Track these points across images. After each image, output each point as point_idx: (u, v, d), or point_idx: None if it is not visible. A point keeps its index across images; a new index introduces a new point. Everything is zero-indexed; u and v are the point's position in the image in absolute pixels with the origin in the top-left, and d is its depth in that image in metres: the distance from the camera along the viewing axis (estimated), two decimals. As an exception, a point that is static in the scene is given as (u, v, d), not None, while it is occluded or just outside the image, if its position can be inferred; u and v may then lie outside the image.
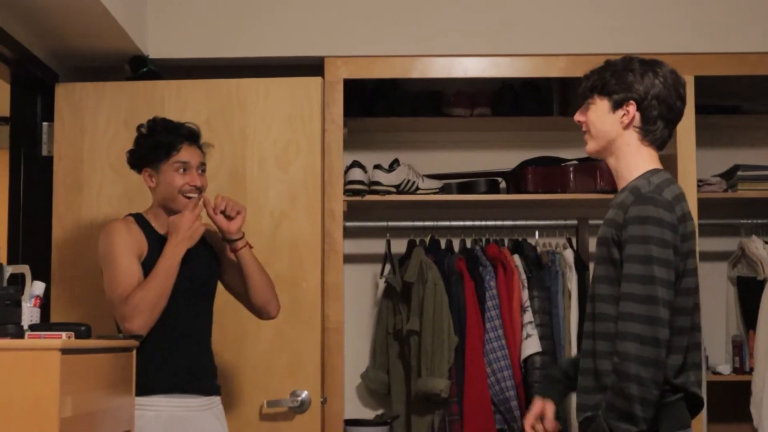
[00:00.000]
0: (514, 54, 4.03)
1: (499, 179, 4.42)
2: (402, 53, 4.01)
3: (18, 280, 2.99)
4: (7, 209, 3.86)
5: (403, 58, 4.01)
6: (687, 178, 3.91)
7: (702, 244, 3.82)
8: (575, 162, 4.26)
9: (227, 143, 3.77)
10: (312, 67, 3.95)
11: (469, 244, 4.38)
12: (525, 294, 4.16)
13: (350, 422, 4.19)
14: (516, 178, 4.34)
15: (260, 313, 3.32)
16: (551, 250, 4.31)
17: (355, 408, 4.45)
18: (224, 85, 3.83)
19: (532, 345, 4.09)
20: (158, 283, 3.02)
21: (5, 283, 2.83)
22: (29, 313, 2.80)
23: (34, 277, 2.99)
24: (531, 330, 4.10)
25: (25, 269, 3.00)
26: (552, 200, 4.28)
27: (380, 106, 4.45)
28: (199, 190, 3.17)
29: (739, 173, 4.35)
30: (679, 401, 2.57)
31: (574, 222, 4.39)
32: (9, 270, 2.92)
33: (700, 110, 3.97)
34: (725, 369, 4.41)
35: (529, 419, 2.82)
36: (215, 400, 3.24)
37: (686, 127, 3.85)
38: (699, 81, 3.89)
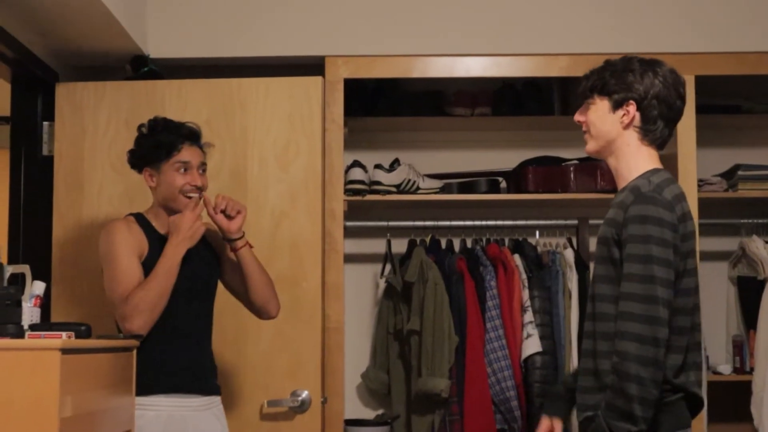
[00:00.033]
0: (515, 53, 4.03)
1: (500, 179, 4.42)
2: (403, 53, 4.01)
3: (18, 280, 2.99)
4: (7, 209, 3.86)
5: (403, 57, 4.01)
6: (688, 178, 3.91)
7: (702, 244, 3.82)
8: (576, 162, 4.26)
9: (228, 143, 3.77)
10: (312, 66, 3.95)
11: (469, 244, 4.38)
12: (525, 294, 4.16)
13: (350, 422, 4.19)
14: (516, 178, 4.34)
15: (260, 312, 3.32)
16: (552, 249, 4.30)
17: (355, 408, 4.45)
18: (225, 85, 3.83)
19: (532, 345, 4.09)
20: (159, 282, 3.02)
21: (5, 283, 2.83)
22: (29, 313, 2.80)
23: (35, 277, 2.99)
24: (531, 330, 4.10)
25: (25, 269, 3.00)
26: (552, 200, 4.28)
27: (381, 105, 4.45)
28: (200, 189, 3.17)
29: (740, 173, 4.35)
30: (679, 401, 2.57)
31: (575, 222, 4.39)
32: (9, 270, 2.92)
33: (700, 110, 3.97)
34: (726, 369, 4.41)
35: None
36: (215, 400, 3.24)
37: (687, 127, 3.85)
38: (699, 81, 3.89)
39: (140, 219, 3.20)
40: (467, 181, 4.36)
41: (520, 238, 4.37)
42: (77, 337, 2.61)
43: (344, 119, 3.96)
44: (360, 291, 4.54)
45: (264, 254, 3.42)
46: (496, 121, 4.48)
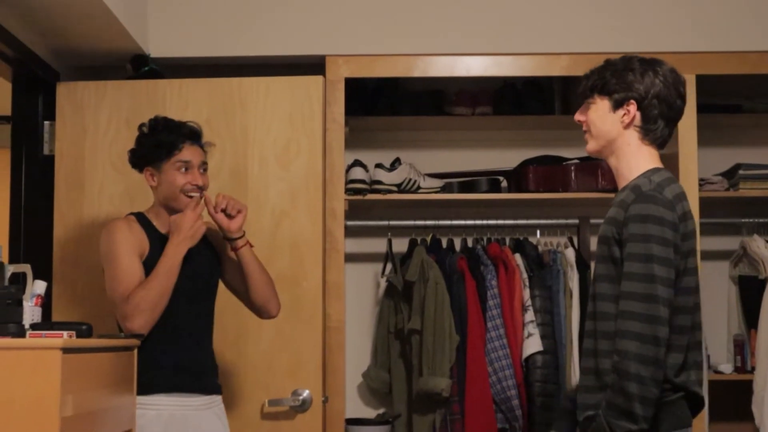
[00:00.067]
0: (516, 53, 4.02)
1: (501, 178, 4.42)
2: (403, 52, 4.01)
3: (19, 279, 2.99)
4: (8, 208, 3.86)
5: (404, 56, 4.01)
6: (689, 177, 3.91)
7: (703, 243, 3.82)
8: (577, 161, 4.26)
9: (228, 142, 3.77)
10: (313, 66, 3.95)
11: (470, 243, 4.38)
12: (526, 293, 4.16)
13: (351, 421, 4.19)
14: (517, 177, 4.34)
15: (260, 312, 3.32)
16: (552, 249, 4.30)
17: (356, 407, 4.45)
18: (225, 84, 3.83)
19: (533, 344, 4.09)
20: (159, 282, 3.02)
21: (6, 282, 2.82)
22: (30, 312, 2.80)
23: (36, 276, 2.99)
24: (532, 329, 4.10)
25: (26, 268, 3.00)
26: (553, 199, 4.28)
27: (382, 104, 4.45)
28: (201, 189, 3.17)
29: (741, 172, 4.35)
30: (679, 400, 2.57)
31: (576, 221, 4.38)
32: (10, 269, 2.91)
33: (701, 109, 3.96)
34: (727, 368, 4.40)
35: None
36: (216, 399, 3.24)
37: (688, 126, 3.85)
38: (700, 80, 3.89)
39: (141, 218, 3.20)
40: (468, 181, 4.36)
41: (521, 238, 4.36)
42: (78, 336, 2.61)
43: (345, 118, 3.96)
44: (361, 290, 4.54)
45: (264, 253, 3.42)
46: (496, 121, 4.48)
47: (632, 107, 2.67)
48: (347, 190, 4.09)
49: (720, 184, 4.36)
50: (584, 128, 2.76)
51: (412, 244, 4.33)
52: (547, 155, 4.36)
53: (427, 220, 4.34)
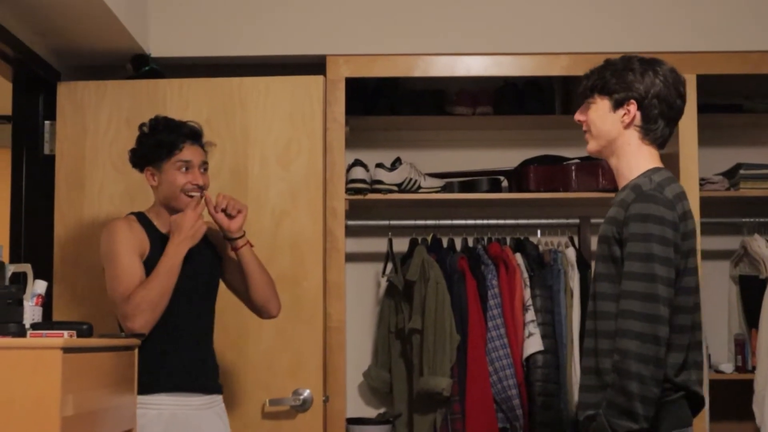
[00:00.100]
0: (517, 53, 4.02)
1: (501, 178, 4.41)
2: (404, 52, 4.01)
3: (20, 279, 2.99)
4: (8, 208, 3.86)
5: (405, 56, 4.01)
6: (689, 177, 3.91)
7: (704, 243, 3.82)
8: (577, 161, 4.26)
9: (229, 142, 3.77)
10: (314, 65, 3.95)
11: (471, 243, 4.38)
12: (527, 293, 4.16)
13: (352, 421, 4.19)
14: (518, 177, 4.34)
15: (261, 312, 3.32)
16: (553, 248, 4.30)
17: (357, 407, 4.45)
18: (226, 84, 3.83)
19: (534, 344, 4.08)
20: (160, 282, 3.02)
21: (7, 282, 2.82)
22: (31, 312, 2.80)
23: (36, 276, 2.99)
24: (533, 329, 4.10)
25: (26, 268, 3.00)
26: (554, 199, 4.28)
27: (382, 104, 4.45)
28: (201, 188, 3.17)
29: (742, 172, 4.34)
30: (680, 399, 2.58)
31: (576, 221, 4.38)
32: (11, 269, 2.91)
33: (702, 109, 3.96)
34: (728, 367, 4.40)
35: None
36: (217, 399, 3.24)
37: (688, 126, 3.85)
38: (701, 80, 3.89)
39: (141, 218, 3.20)
40: (469, 180, 4.36)
41: (522, 237, 4.36)
42: (79, 336, 2.61)
43: (345, 118, 3.96)
44: (361, 290, 4.54)
45: (265, 253, 3.42)
46: (497, 120, 4.48)
47: (632, 107, 2.67)
48: (348, 190, 4.09)
49: (721, 184, 4.36)
50: (584, 128, 2.77)
51: (413, 243, 4.33)
52: (548, 155, 4.36)
53: (428, 219, 4.33)
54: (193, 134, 3.20)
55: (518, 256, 4.22)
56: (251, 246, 3.24)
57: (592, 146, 2.76)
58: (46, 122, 3.89)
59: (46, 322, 2.88)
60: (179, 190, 3.14)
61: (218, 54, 4.01)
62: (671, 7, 4.02)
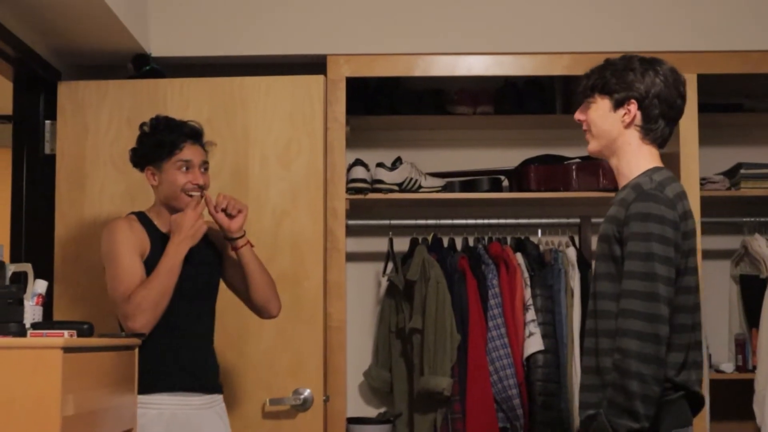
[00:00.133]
0: (517, 52, 4.02)
1: (502, 177, 4.41)
2: (404, 51, 4.01)
3: (20, 279, 2.99)
4: (9, 207, 3.86)
5: (405, 56, 4.01)
6: (690, 177, 3.91)
7: (705, 243, 3.82)
8: (578, 160, 4.26)
9: (229, 141, 3.77)
10: (314, 65, 3.95)
11: (471, 243, 4.38)
12: (527, 292, 4.15)
13: (353, 420, 4.19)
14: (519, 177, 4.34)
15: (261, 311, 3.32)
16: (554, 248, 4.29)
17: (357, 406, 4.45)
18: (226, 84, 3.83)
19: (534, 343, 4.08)
20: (161, 281, 3.02)
21: (7, 282, 2.82)
22: (31, 312, 2.80)
23: (37, 276, 2.99)
24: (533, 328, 4.10)
25: (27, 267, 3.00)
26: (554, 198, 4.28)
27: (383, 104, 4.44)
28: (202, 188, 3.17)
29: (742, 171, 4.34)
30: (680, 399, 2.57)
31: (577, 220, 4.38)
32: (11, 268, 2.92)
33: (702, 108, 3.96)
34: (728, 367, 4.40)
35: None
36: (218, 399, 3.24)
37: (689, 126, 3.85)
38: (701, 79, 3.89)
39: (142, 218, 3.20)
40: (469, 180, 4.36)
41: (522, 237, 4.36)
42: (79, 335, 2.61)
43: (346, 118, 3.96)
44: (362, 290, 4.54)
45: (265, 253, 3.42)
46: (498, 120, 4.48)
47: (633, 107, 2.67)
48: (348, 190, 4.09)
49: (721, 184, 4.36)
50: (584, 127, 2.77)
51: (414, 243, 4.33)
52: (549, 154, 4.36)
53: (429, 219, 4.33)
54: (193, 134, 3.21)
55: (519, 256, 4.22)
56: (251, 246, 3.24)
57: (593, 146, 2.76)
58: (47, 122, 3.89)
59: (47, 322, 2.88)
60: (180, 189, 3.15)
61: (219, 54, 4.01)
62: (671, 7, 4.01)
